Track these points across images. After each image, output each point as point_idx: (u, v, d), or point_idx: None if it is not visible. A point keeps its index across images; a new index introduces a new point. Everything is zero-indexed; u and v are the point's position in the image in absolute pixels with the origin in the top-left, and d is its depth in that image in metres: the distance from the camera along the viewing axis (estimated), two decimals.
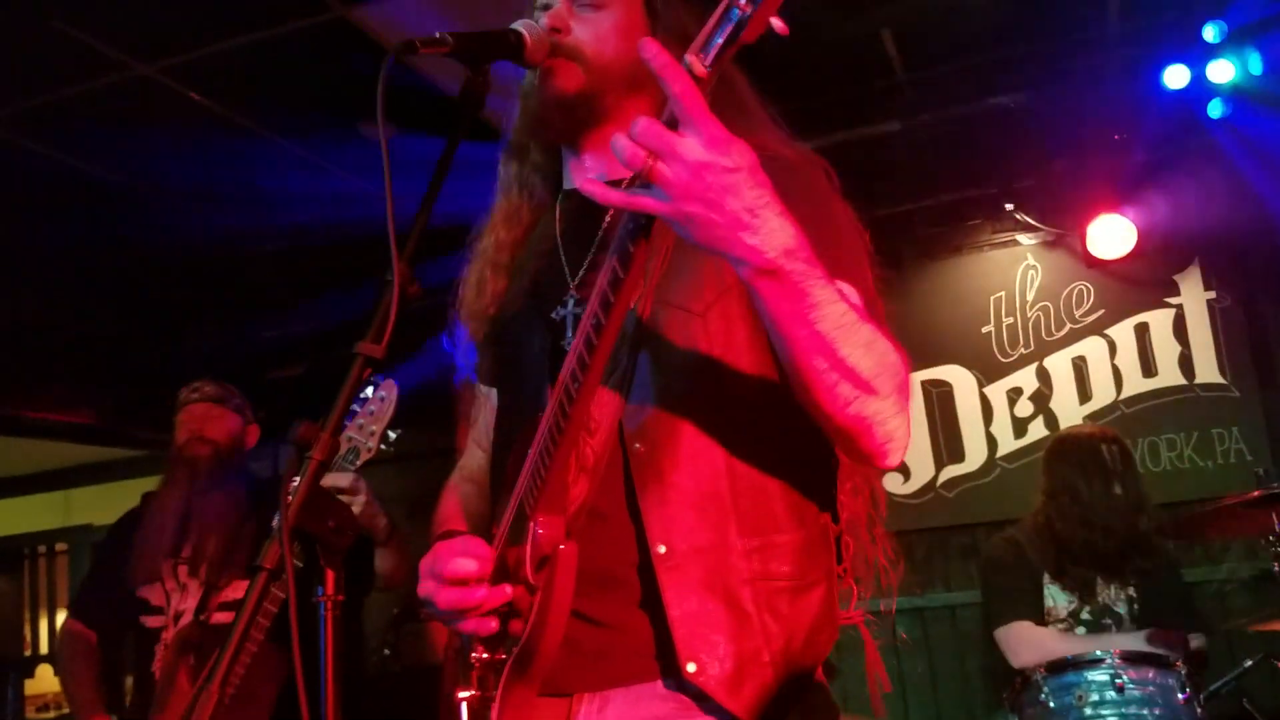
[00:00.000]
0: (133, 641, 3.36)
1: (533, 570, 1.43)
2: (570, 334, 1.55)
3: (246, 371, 5.82)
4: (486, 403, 1.81)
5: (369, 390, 2.89)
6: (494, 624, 1.47)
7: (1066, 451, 3.99)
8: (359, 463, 2.87)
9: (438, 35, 1.37)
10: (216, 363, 5.44)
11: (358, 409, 2.89)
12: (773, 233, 1.17)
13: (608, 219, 1.59)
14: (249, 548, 3.33)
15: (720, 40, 1.11)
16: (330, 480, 2.91)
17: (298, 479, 1.11)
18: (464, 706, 1.54)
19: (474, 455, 1.85)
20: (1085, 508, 3.81)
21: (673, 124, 1.14)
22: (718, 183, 1.13)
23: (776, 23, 1.10)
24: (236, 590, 3.29)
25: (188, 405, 3.43)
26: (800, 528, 1.50)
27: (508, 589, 1.46)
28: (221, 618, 3.25)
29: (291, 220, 4.89)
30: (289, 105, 4.00)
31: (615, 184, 1.26)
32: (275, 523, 1.08)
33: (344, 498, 2.89)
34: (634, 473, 1.46)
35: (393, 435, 2.91)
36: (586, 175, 1.66)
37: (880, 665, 1.71)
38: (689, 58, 1.12)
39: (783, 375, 1.46)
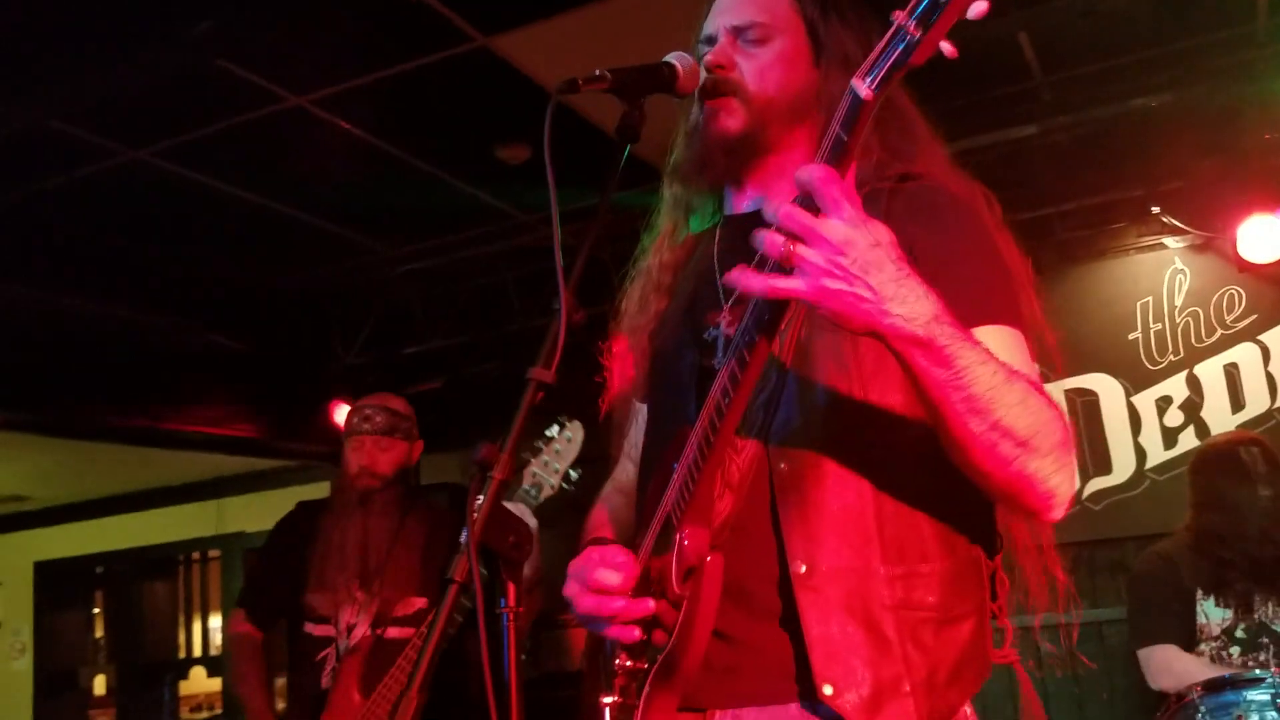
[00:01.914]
0: (293, 646, 3.47)
1: (679, 581, 1.45)
2: (720, 354, 1.57)
3: (387, 386, 6.03)
4: (639, 417, 1.85)
5: (554, 429, 2.97)
6: (636, 632, 1.49)
7: (1207, 461, 3.86)
8: (540, 498, 2.95)
9: (597, 73, 1.41)
10: (362, 378, 5.66)
11: (542, 446, 2.98)
12: (918, 301, 1.19)
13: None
14: (419, 567, 3.44)
15: (887, 65, 1.12)
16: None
17: (481, 497, 1.17)
18: (607, 711, 1.57)
19: (625, 467, 1.89)
20: (1234, 515, 3.68)
21: (813, 209, 1.17)
22: (862, 259, 1.16)
23: (946, 46, 1.11)
24: (408, 607, 3.39)
25: (359, 436, 3.51)
26: (949, 558, 1.47)
27: (650, 602, 1.49)
28: (396, 633, 3.34)
29: (431, 240, 5.07)
30: (431, 131, 4.14)
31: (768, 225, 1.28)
32: (462, 538, 1.14)
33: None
34: (777, 491, 1.46)
35: (574, 475, 2.97)
36: (747, 204, 1.69)
37: (1037, 705, 1.67)
38: (855, 81, 1.15)
39: None
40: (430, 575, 3.42)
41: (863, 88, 1.14)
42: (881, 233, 1.17)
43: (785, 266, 1.19)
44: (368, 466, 3.49)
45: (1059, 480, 1.33)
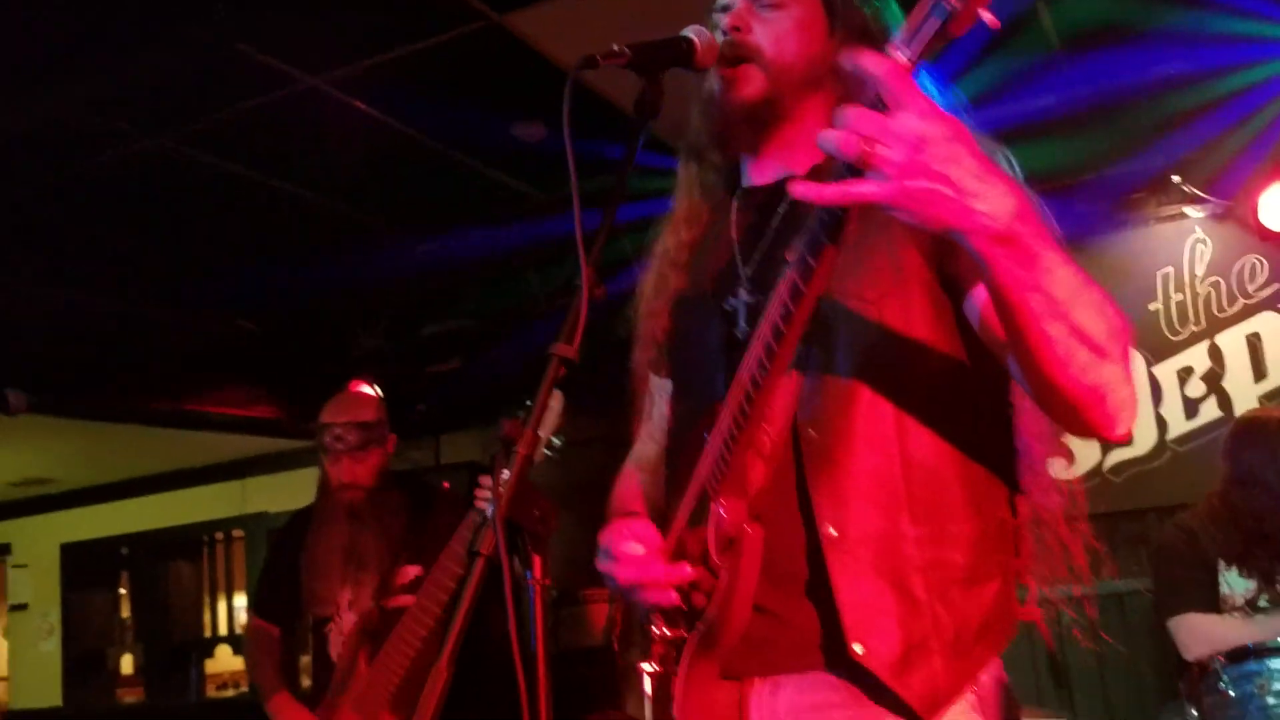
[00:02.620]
0: (306, 630, 3.65)
1: (718, 551, 1.46)
2: (743, 322, 1.58)
3: (408, 366, 6.06)
4: (660, 395, 1.85)
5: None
6: (674, 596, 1.51)
7: (1254, 435, 3.78)
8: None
9: (615, 48, 1.40)
10: (383, 359, 5.69)
11: (524, 416, 3.03)
12: (1001, 197, 1.14)
13: (782, 211, 1.61)
14: (409, 539, 3.55)
15: (929, 35, 1.11)
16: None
17: (507, 472, 1.18)
18: (647, 680, 1.59)
19: (646, 446, 1.89)
20: (1274, 493, 3.64)
21: (879, 109, 1.13)
22: (940, 154, 1.11)
23: (987, 16, 1.08)
24: (404, 576, 3.50)
25: (335, 454, 3.61)
26: (977, 519, 1.48)
27: (688, 567, 1.50)
28: (399, 602, 3.43)
29: (448, 222, 5.07)
30: (447, 111, 4.14)
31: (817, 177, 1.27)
32: (489, 512, 1.15)
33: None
34: (806, 459, 1.47)
35: (557, 441, 3.03)
36: (765, 175, 1.68)
37: (1062, 663, 1.67)
38: (891, 49, 1.13)
39: (965, 363, 1.47)
40: (419, 544, 3.51)
41: (900, 57, 1.13)
42: (957, 126, 1.12)
43: (859, 168, 1.13)
44: (349, 482, 3.59)
45: (1127, 393, 1.30)
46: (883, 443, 1.47)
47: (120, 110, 3.85)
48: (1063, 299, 1.21)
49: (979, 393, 1.46)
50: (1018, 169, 1.52)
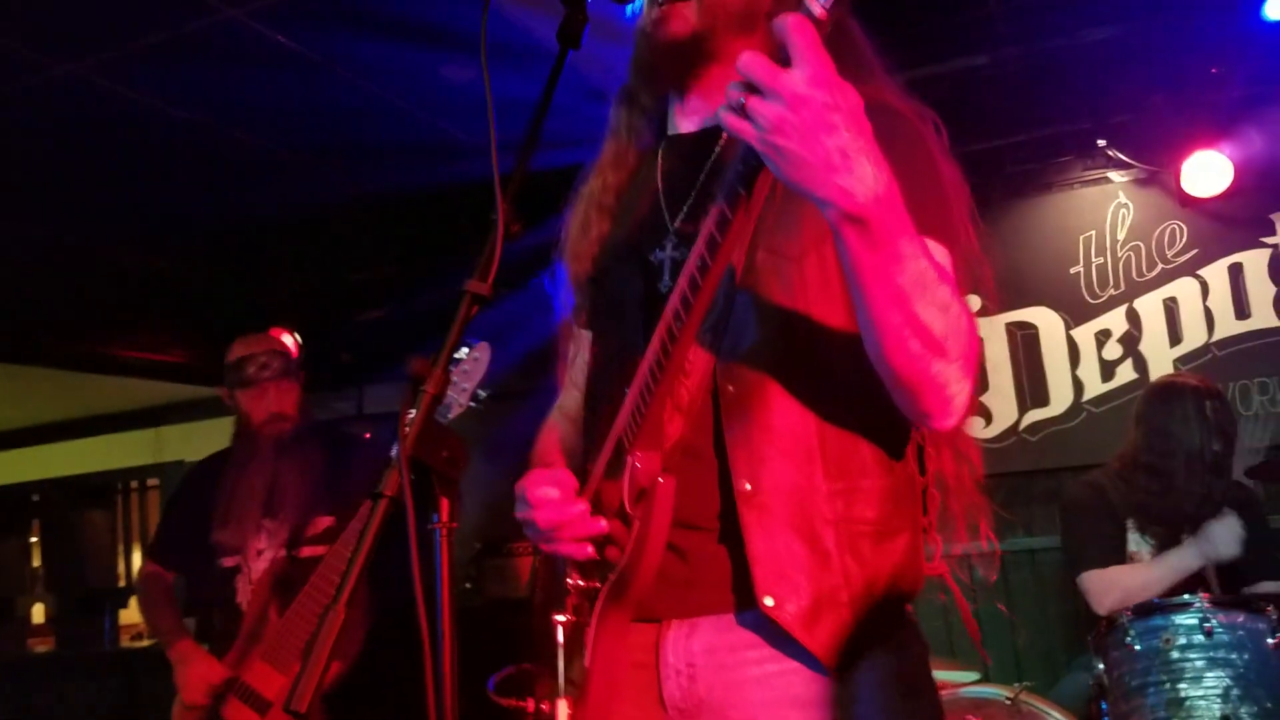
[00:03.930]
0: (208, 583, 3.55)
1: (631, 502, 1.47)
2: (667, 277, 1.58)
3: (334, 312, 5.95)
4: (583, 344, 1.84)
5: (463, 350, 3.02)
6: (590, 549, 1.51)
7: (1171, 400, 3.85)
8: (450, 416, 3.03)
9: None
10: (305, 304, 5.57)
11: (452, 367, 3.01)
12: (864, 179, 1.16)
13: (709, 165, 1.59)
14: (324, 488, 3.51)
15: None
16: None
17: (413, 411, 1.15)
18: (560, 630, 1.59)
19: (570, 394, 1.89)
20: (1179, 461, 3.73)
21: (783, 63, 1.13)
22: (813, 118, 1.12)
23: None
24: (316, 526, 3.45)
25: (259, 385, 3.53)
26: (887, 475, 1.51)
27: (603, 521, 1.50)
28: (308, 552, 3.42)
29: (376, 164, 4.96)
30: (372, 48, 4.03)
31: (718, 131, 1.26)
32: (394, 452, 1.12)
33: None
34: (724, 413, 1.48)
35: (482, 394, 3.03)
36: (691, 121, 1.66)
37: (969, 615, 1.72)
38: (809, 1, 1.12)
39: None
40: (335, 493, 3.48)
41: (816, 6, 1.12)
42: (844, 96, 1.13)
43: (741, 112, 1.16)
44: (277, 412, 3.54)
45: (958, 389, 1.34)
46: (798, 399, 1.48)
47: (33, 38, 3.68)
48: (906, 289, 1.24)
49: None
50: (944, 134, 1.53)
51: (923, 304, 1.25)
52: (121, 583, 9.15)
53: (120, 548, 9.27)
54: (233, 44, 3.85)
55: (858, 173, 1.15)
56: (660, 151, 1.71)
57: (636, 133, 1.75)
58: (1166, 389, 3.95)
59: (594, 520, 1.51)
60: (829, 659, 1.42)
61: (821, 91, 1.11)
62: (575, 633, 1.58)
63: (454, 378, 3.04)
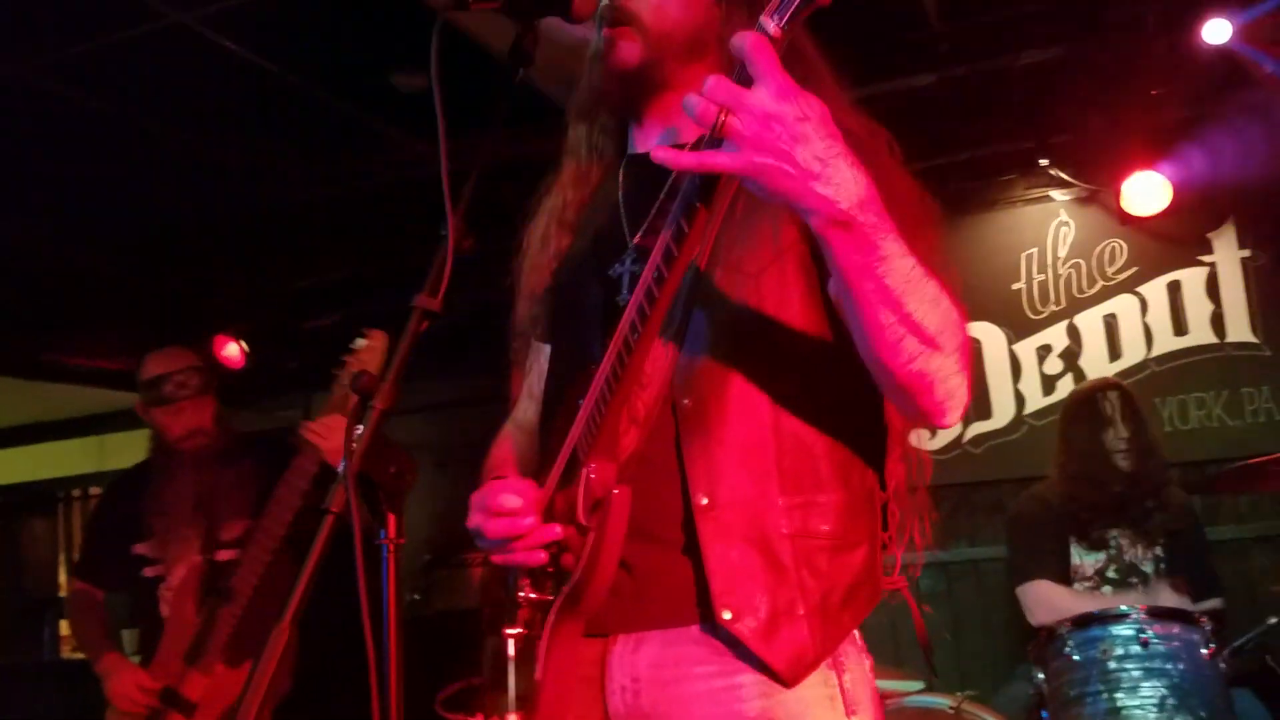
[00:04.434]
0: (136, 595, 3.58)
1: (585, 513, 1.47)
2: (625, 291, 1.59)
3: (281, 319, 5.89)
4: (540, 354, 1.85)
5: (358, 341, 3.05)
6: (543, 556, 1.51)
7: (1071, 410, 4.03)
8: (349, 408, 2.98)
9: None
10: (251, 310, 5.51)
11: (347, 360, 3.06)
12: (845, 183, 1.18)
13: (670, 182, 1.61)
14: (247, 496, 3.51)
15: (794, 3, 1.13)
16: (320, 425, 3.11)
17: (361, 426, 1.15)
18: (511, 643, 1.59)
19: (526, 406, 1.89)
20: (1091, 460, 3.84)
21: (745, 81, 1.15)
22: (788, 133, 1.15)
23: None
24: (232, 531, 3.46)
25: (176, 403, 3.54)
26: (844, 489, 1.52)
27: (558, 528, 1.51)
28: (224, 555, 3.44)
29: (324, 170, 4.93)
30: (323, 56, 4.01)
31: (681, 147, 1.29)
32: (341, 468, 1.12)
33: (328, 438, 3.16)
34: (681, 426, 1.49)
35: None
36: (650, 142, 1.68)
37: (922, 629, 1.74)
38: (763, 18, 1.15)
39: (836, 338, 1.49)
40: (258, 500, 3.46)
41: (771, 25, 1.15)
42: (811, 107, 1.16)
43: (716, 138, 1.18)
44: (196, 428, 3.55)
45: (956, 383, 1.37)
46: (756, 413, 1.50)
47: None
48: (896, 288, 1.26)
49: (850, 367, 1.49)
50: (898, 151, 1.56)
51: (914, 301, 1.28)
52: (62, 592, 8.97)
53: (62, 557, 9.09)
54: (180, 49, 3.82)
55: (838, 178, 1.18)
56: (621, 170, 1.72)
57: (598, 150, 1.77)
58: (1075, 400, 4.13)
59: (548, 527, 1.51)
60: (786, 672, 1.43)
61: (790, 104, 1.14)
62: (526, 646, 1.58)
63: (341, 370, 3.10)
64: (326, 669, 3.20)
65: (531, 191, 1.84)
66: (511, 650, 1.59)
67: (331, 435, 3.16)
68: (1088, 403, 3.96)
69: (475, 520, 1.56)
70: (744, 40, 1.13)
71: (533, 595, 1.58)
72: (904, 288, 1.27)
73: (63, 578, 9.05)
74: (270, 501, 3.23)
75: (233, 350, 5.57)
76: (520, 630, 1.59)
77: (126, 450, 7.78)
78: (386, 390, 1.18)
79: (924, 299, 1.29)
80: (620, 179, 1.71)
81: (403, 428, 3.01)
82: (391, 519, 1.15)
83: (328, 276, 5.59)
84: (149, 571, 3.48)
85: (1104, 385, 4.04)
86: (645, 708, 1.50)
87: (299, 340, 5.98)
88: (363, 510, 1.12)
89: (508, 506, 1.51)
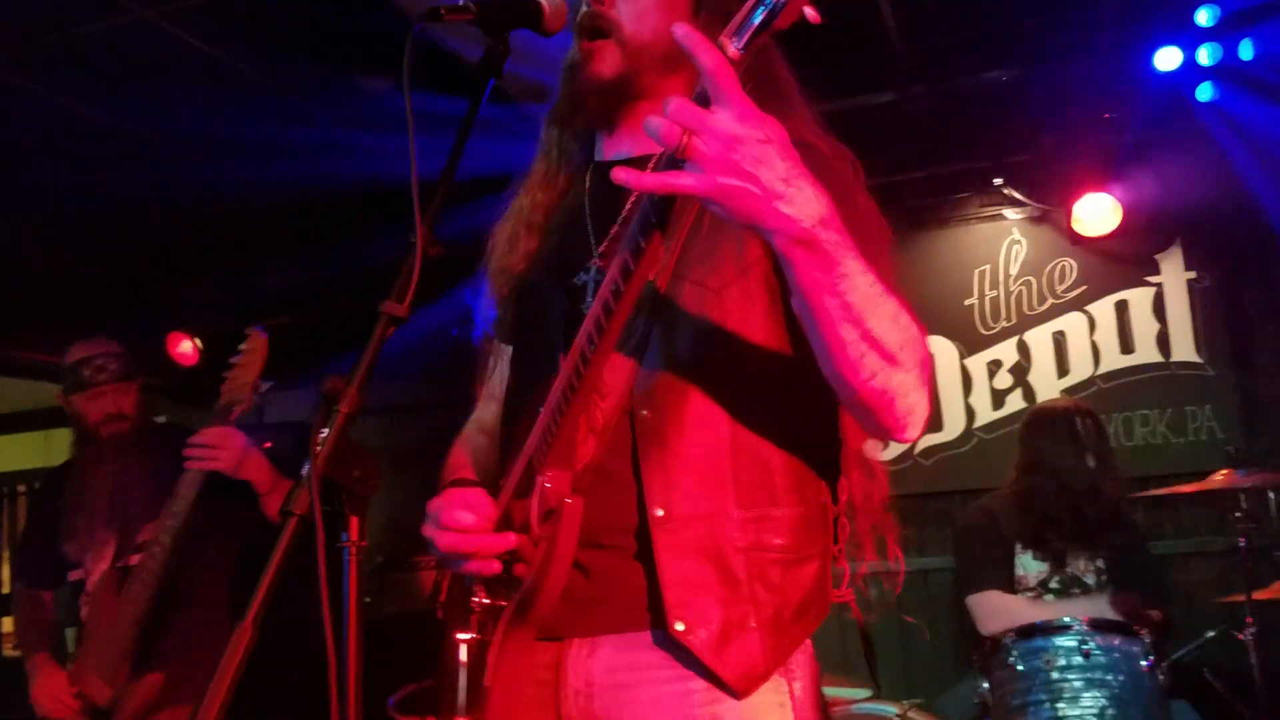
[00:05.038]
0: (66, 593, 3.52)
1: (538, 521, 1.48)
2: (589, 300, 1.59)
3: (240, 319, 5.83)
4: (503, 358, 1.85)
5: (243, 342, 3.02)
6: (496, 566, 1.51)
7: (1042, 424, 4.08)
8: (234, 415, 3.05)
9: (460, 2, 1.40)
10: (205, 308, 5.45)
11: (233, 361, 3.04)
12: (806, 202, 1.20)
13: (634, 196, 1.61)
14: (162, 487, 3.37)
15: (754, 24, 1.15)
16: (204, 435, 3.06)
17: (326, 430, 1.16)
18: (463, 648, 1.60)
19: (488, 407, 1.89)
20: (1060, 479, 3.90)
21: (705, 102, 1.17)
22: (750, 154, 1.16)
23: (809, 11, 1.14)
24: (147, 534, 3.36)
25: (96, 388, 3.48)
26: (799, 504, 1.54)
27: (512, 537, 1.51)
28: (135, 559, 3.34)
29: (287, 170, 4.89)
30: (288, 55, 3.99)
31: (643, 161, 1.30)
32: (305, 471, 1.13)
33: (215, 450, 3.07)
34: (639, 438, 1.51)
35: (263, 387, 3.04)
36: (621, 149, 1.69)
37: (870, 638, 1.77)
38: (722, 39, 1.17)
39: (797, 354, 1.51)
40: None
41: (730, 47, 1.17)
42: (772, 129, 1.18)
43: (679, 160, 1.18)
44: (115, 412, 3.48)
45: (917, 399, 1.38)
46: (714, 427, 1.51)
47: None
48: (857, 305, 1.28)
49: (808, 383, 1.52)
50: (861, 172, 1.59)
51: (874, 318, 1.30)
52: (6, 589, 8.80)
53: (5, 553, 8.92)
54: (143, 45, 3.79)
55: (799, 198, 1.20)
56: (589, 176, 1.74)
57: (567, 155, 1.78)
58: (1040, 414, 4.18)
59: (502, 536, 1.51)
60: (737, 684, 1.45)
61: (752, 127, 1.16)
62: (478, 651, 1.59)
63: (235, 372, 3.05)
64: (280, 673, 3.18)
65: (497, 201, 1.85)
66: (463, 655, 1.59)
67: (220, 448, 3.07)
68: (1063, 424, 4.01)
69: (429, 532, 1.56)
70: (704, 60, 1.15)
71: (486, 601, 1.59)
72: (865, 305, 1.29)
73: (6, 574, 8.88)
74: (162, 511, 3.16)
75: (186, 347, 5.51)
76: (473, 635, 1.60)
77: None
78: (352, 395, 1.19)
79: (884, 316, 1.31)
80: (587, 185, 1.72)
81: (356, 429, 2.97)
82: (354, 521, 1.16)
83: (288, 277, 5.54)
84: (73, 575, 3.44)
85: (1079, 409, 4.10)
86: (598, 712, 1.52)
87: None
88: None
89: (461, 523, 1.51)
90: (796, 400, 1.54)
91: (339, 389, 1.18)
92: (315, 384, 1.21)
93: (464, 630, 1.61)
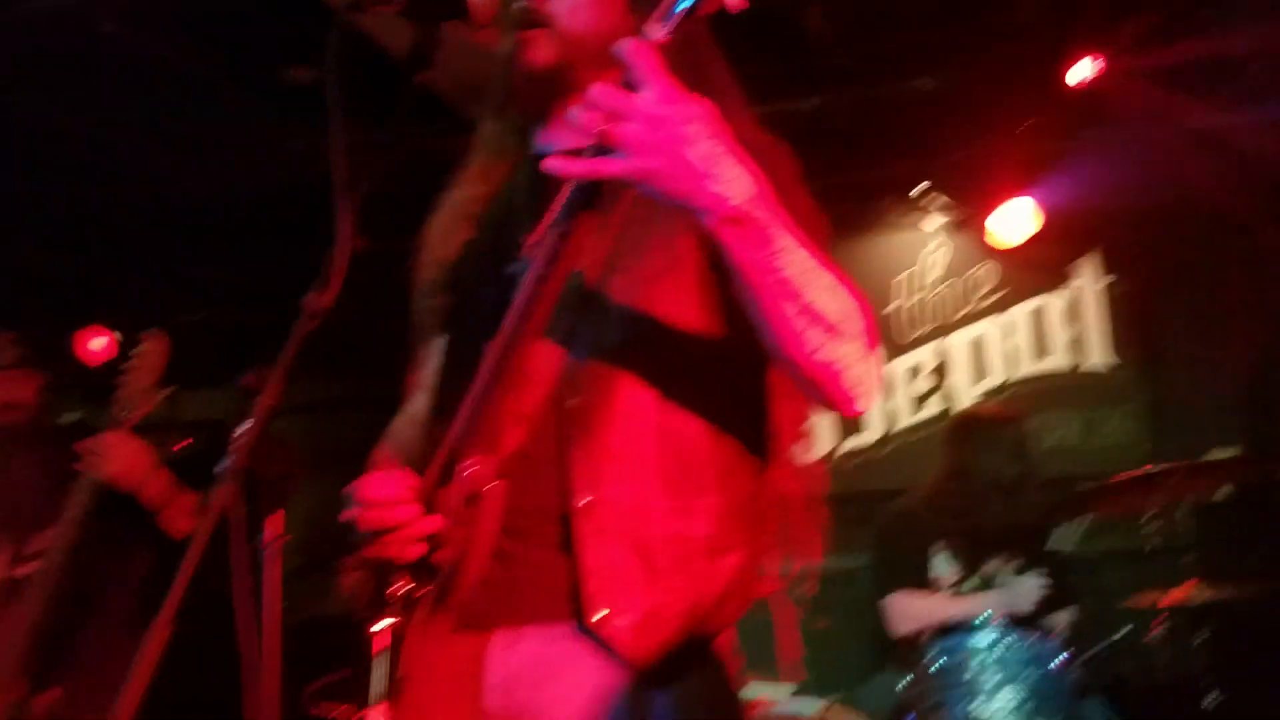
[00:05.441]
0: None
1: (460, 506, 1.46)
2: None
3: (160, 313, 5.69)
4: (436, 348, 1.82)
5: (140, 345, 2.96)
6: (419, 549, 1.47)
7: (970, 431, 4.13)
8: (131, 420, 2.97)
9: None
10: (125, 306, 5.31)
11: (126, 366, 2.98)
12: (734, 180, 1.22)
13: (568, 184, 1.62)
14: (56, 497, 3.25)
15: (679, 10, 1.18)
16: (96, 442, 2.99)
17: (246, 424, 1.14)
18: (380, 637, 1.57)
19: (419, 398, 1.85)
20: (980, 486, 3.97)
21: (631, 90, 1.18)
22: (674, 134, 1.18)
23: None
24: (41, 541, 3.22)
25: None
26: (724, 495, 1.54)
27: (436, 519, 1.48)
28: (26, 570, 3.20)
29: (211, 163, 4.79)
30: (213, 45, 3.91)
31: (578, 153, 1.30)
32: (223, 466, 1.11)
33: (98, 457, 2.98)
34: (566, 426, 1.50)
35: (164, 391, 2.99)
36: (550, 147, 1.67)
37: (794, 634, 1.78)
38: (648, 26, 1.19)
39: (731, 346, 1.52)
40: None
41: (657, 32, 1.19)
42: (696, 108, 1.19)
43: (604, 146, 1.19)
44: (11, 401, 3.33)
45: (863, 370, 1.40)
46: (640, 417, 1.51)
47: None
48: (795, 280, 1.30)
49: (739, 375, 1.52)
50: (799, 169, 1.60)
51: (813, 290, 1.31)
52: None
53: None
54: (64, 32, 3.68)
55: (726, 176, 1.21)
56: (524, 168, 1.72)
57: (503, 148, 1.77)
58: (966, 421, 4.25)
59: (424, 519, 1.48)
60: (655, 673, 1.44)
61: (673, 106, 1.17)
62: (394, 640, 1.57)
63: (126, 377, 2.98)
64: (197, 675, 3.10)
65: (427, 193, 1.83)
66: (380, 644, 1.56)
67: (110, 455, 2.98)
68: (988, 431, 4.07)
69: (348, 514, 1.51)
70: (625, 46, 1.16)
71: (404, 589, 1.54)
72: (802, 279, 1.30)
73: None
74: (58, 519, 3.07)
75: (100, 342, 5.37)
76: (389, 623, 1.55)
77: None
78: (274, 388, 1.16)
79: (822, 288, 1.33)
80: (522, 177, 1.71)
81: (276, 427, 2.90)
82: (274, 520, 1.14)
83: (214, 270, 5.43)
84: None
85: (1005, 417, 4.17)
86: (520, 704, 1.50)
87: (172, 335, 5.78)
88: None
89: (382, 495, 1.48)
90: (727, 392, 1.55)
91: (260, 382, 1.16)
92: (235, 380, 1.19)
93: (379, 620, 1.58)
